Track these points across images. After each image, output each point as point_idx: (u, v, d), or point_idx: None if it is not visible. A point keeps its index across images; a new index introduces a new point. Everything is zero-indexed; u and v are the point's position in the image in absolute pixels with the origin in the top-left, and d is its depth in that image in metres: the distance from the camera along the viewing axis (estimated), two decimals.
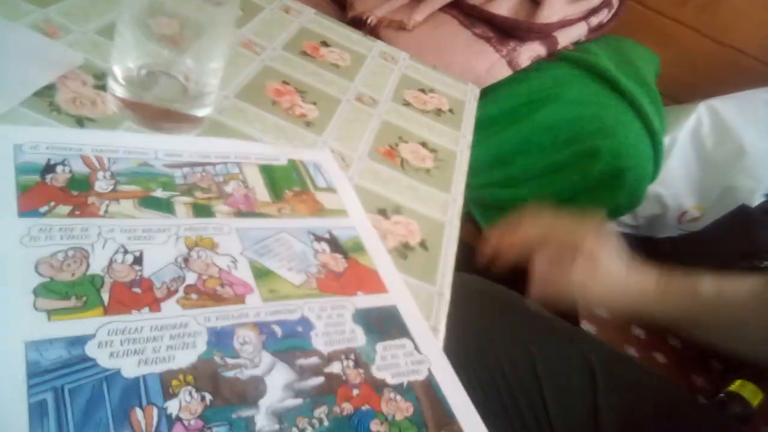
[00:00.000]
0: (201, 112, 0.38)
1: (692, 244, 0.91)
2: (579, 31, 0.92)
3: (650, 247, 1.02)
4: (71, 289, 0.27)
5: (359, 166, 0.43)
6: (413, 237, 0.39)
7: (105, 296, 0.27)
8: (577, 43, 0.94)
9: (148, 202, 0.33)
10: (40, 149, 0.33)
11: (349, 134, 0.46)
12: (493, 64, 0.87)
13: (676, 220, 1.02)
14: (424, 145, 0.48)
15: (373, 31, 0.85)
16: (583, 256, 0.42)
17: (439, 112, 0.54)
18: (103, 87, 0.38)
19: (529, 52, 0.88)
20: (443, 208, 0.43)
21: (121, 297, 0.27)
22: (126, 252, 0.30)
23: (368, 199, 0.40)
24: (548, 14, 0.88)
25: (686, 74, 1.07)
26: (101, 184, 0.32)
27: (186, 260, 0.30)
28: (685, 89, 1.09)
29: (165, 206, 0.33)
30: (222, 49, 0.37)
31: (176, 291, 0.29)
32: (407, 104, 0.53)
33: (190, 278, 0.29)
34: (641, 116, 0.87)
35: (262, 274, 0.32)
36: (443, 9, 0.91)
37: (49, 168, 0.32)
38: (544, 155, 0.89)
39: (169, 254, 0.30)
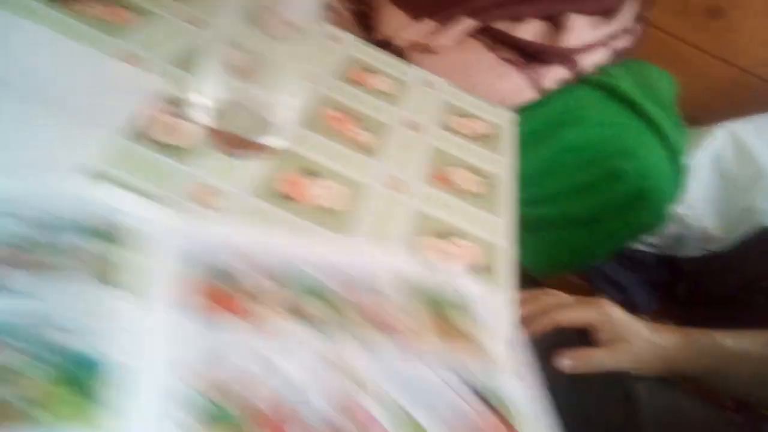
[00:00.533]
0: (275, 142, 0.40)
1: (715, 263, 0.93)
2: (601, 55, 0.94)
3: (674, 266, 1.04)
4: None
5: (417, 191, 0.45)
6: (474, 261, 0.41)
7: None
8: (599, 67, 0.97)
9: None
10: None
11: (402, 160, 0.48)
12: (518, 86, 0.90)
13: (699, 240, 1.04)
14: (471, 169, 0.51)
15: (399, 54, 0.88)
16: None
17: (479, 136, 0.57)
18: (182, 115, 0.40)
19: (553, 74, 0.91)
20: (499, 231, 0.45)
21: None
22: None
23: (429, 224, 0.42)
24: (572, 38, 0.91)
25: (703, 97, 1.10)
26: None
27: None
28: (701, 112, 1.11)
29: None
30: (295, 82, 0.39)
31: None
32: (450, 129, 0.55)
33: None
34: (663, 138, 0.89)
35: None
36: (470, 33, 0.94)
37: (228, 272, 0.32)
38: (568, 176, 0.91)
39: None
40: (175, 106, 0.41)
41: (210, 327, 0.29)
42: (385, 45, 0.91)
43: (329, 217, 0.39)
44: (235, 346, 0.29)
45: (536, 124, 0.96)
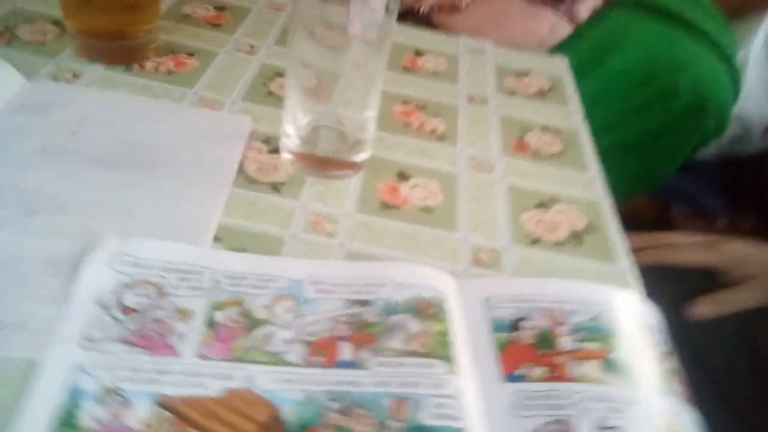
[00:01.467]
0: (360, 157, 0.41)
1: None
2: None
3: (738, 167, 1.01)
4: None
5: (502, 166, 0.46)
6: (578, 223, 0.42)
7: None
8: None
9: (613, 366, 0.30)
10: (504, 304, 0.33)
11: (478, 138, 0.49)
12: (553, 24, 0.88)
13: (760, 135, 1.01)
14: (546, 129, 0.51)
15: (425, 20, 0.87)
16: None
17: (542, 93, 0.56)
18: (274, 150, 0.42)
19: (586, 4, 0.88)
20: (591, 186, 0.46)
21: None
22: (604, 429, 0.28)
23: (525, 197, 0.43)
24: None
25: None
26: (564, 341, 0.32)
27: None
28: (741, 3, 1.06)
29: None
30: (373, 96, 0.40)
31: None
32: (513, 93, 0.55)
33: None
34: (712, 43, 0.86)
35: None
36: None
37: (516, 323, 0.32)
38: (620, 102, 0.89)
39: None
40: (265, 141, 0.43)
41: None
42: (408, 15, 0.90)
43: (431, 217, 0.40)
44: None
45: (578, 58, 0.94)
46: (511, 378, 0.30)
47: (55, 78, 0.44)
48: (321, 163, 0.41)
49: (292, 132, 0.40)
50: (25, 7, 0.51)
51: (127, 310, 0.30)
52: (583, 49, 0.93)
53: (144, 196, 0.37)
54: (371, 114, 0.40)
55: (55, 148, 0.38)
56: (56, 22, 0.49)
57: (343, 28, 0.37)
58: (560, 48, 0.91)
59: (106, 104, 0.43)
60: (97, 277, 0.31)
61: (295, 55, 0.39)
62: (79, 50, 0.46)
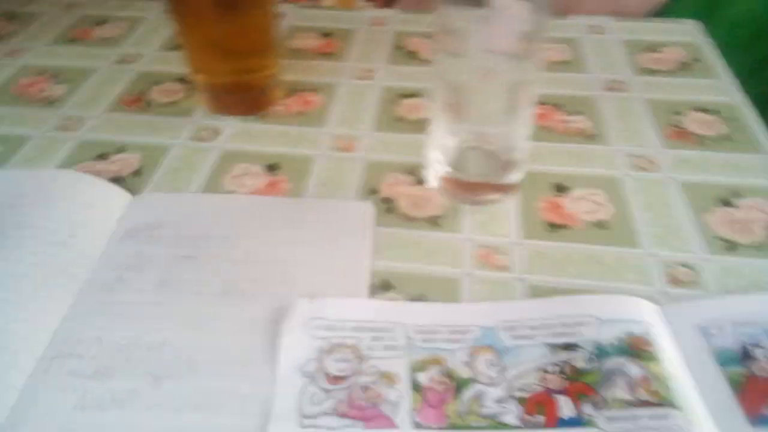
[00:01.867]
0: (514, 179, 0.39)
1: None
2: None
3: None
4: None
5: (667, 162, 0.42)
6: None
7: None
8: None
9: None
10: (725, 330, 0.30)
11: (630, 131, 0.45)
12: None
13: None
14: (701, 109, 0.46)
15: None
16: None
17: (685, 66, 0.51)
18: (419, 182, 0.41)
19: None
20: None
21: None
22: None
23: (703, 195, 0.39)
24: None
25: None
26: None
27: None
28: None
29: None
30: (524, 112, 0.37)
31: None
32: (652, 72, 0.51)
33: None
34: None
35: None
36: None
37: (747, 352, 0.29)
38: (744, 56, 0.80)
39: None
40: (408, 172, 0.42)
41: None
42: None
43: (608, 233, 0.37)
44: None
45: (690, 12, 0.86)
46: (761, 421, 0.27)
47: (198, 139, 0.44)
48: (473, 188, 0.39)
49: (440, 157, 0.39)
50: (149, 69, 0.52)
51: (331, 378, 0.30)
52: (693, 6, 0.85)
53: (259, 332, 0.31)
54: (523, 132, 0.37)
55: (173, 284, 0.34)
56: (181, 80, 0.51)
57: (468, 41, 0.35)
58: (669, 11, 0.84)
59: (216, 212, 0.38)
60: (297, 345, 0.31)
61: (439, 76, 0.37)
62: (211, 106, 0.47)
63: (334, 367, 0.30)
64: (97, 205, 0.38)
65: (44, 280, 0.33)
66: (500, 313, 0.32)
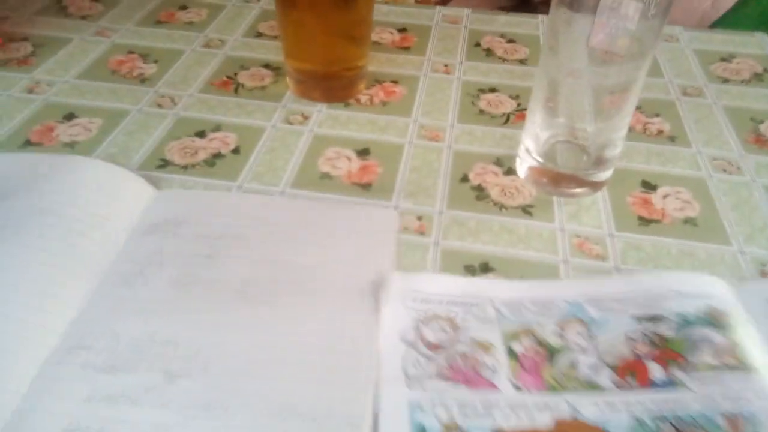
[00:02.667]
0: (604, 176, 0.40)
1: None
2: None
3: None
4: None
5: (749, 166, 0.43)
6: None
7: None
8: None
9: None
10: None
11: (710, 135, 0.46)
12: None
13: None
14: None
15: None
16: None
17: (758, 77, 0.52)
18: (508, 172, 0.42)
19: None
20: None
21: None
22: None
23: None
24: None
25: None
26: None
27: None
28: None
29: None
30: (626, 114, 0.38)
31: None
32: (726, 80, 0.52)
33: None
34: None
35: None
36: None
37: None
38: None
39: None
40: (495, 163, 0.43)
41: None
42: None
43: (698, 230, 0.38)
44: None
45: (747, 26, 0.87)
46: None
47: (288, 122, 0.46)
48: (562, 180, 0.40)
49: (532, 148, 0.40)
50: (235, 54, 0.54)
51: (431, 346, 0.31)
52: (752, 18, 0.85)
53: (293, 340, 0.31)
54: (621, 132, 0.39)
55: (191, 282, 0.33)
56: (267, 66, 0.52)
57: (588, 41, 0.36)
58: (723, 22, 0.85)
59: (238, 211, 0.38)
60: (395, 316, 0.32)
61: (541, 71, 0.38)
62: (300, 91, 0.49)
63: (432, 336, 0.32)
64: (122, 196, 0.38)
65: (64, 270, 0.33)
66: (585, 288, 0.34)
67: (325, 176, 0.42)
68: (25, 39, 0.55)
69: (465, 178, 0.42)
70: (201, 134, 0.45)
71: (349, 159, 0.43)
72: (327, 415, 0.28)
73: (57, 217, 0.35)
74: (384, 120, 0.47)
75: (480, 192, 0.41)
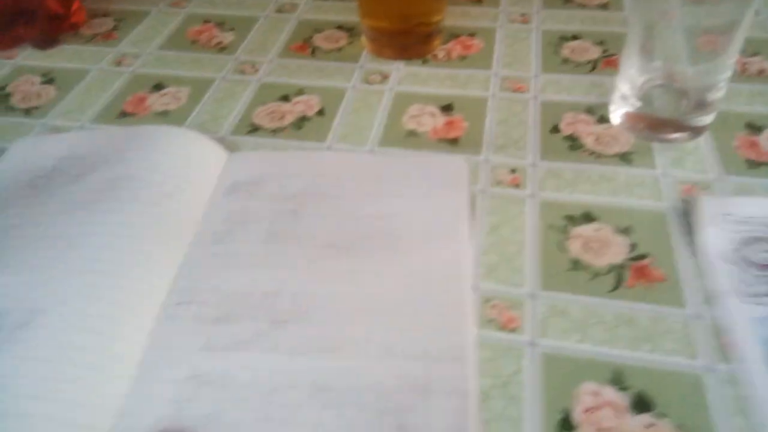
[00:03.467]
0: (705, 120, 0.38)
1: None
2: None
3: None
4: None
5: None
6: None
7: None
8: None
9: None
10: None
11: None
12: None
13: None
14: None
15: None
16: None
17: None
18: (600, 120, 0.41)
19: None
20: None
21: None
22: None
23: None
24: None
25: None
26: None
27: None
28: None
29: None
30: (731, 55, 0.36)
31: None
32: None
33: None
34: None
35: None
36: None
37: None
38: None
39: None
40: (587, 111, 0.42)
41: None
42: None
43: None
44: None
45: None
46: None
47: (368, 82, 0.46)
48: (660, 125, 0.39)
49: (628, 93, 0.39)
50: (308, 18, 0.54)
51: (759, 266, 0.30)
52: None
53: (388, 287, 0.31)
54: (725, 75, 0.36)
55: (281, 237, 0.34)
56: (340, 27, 0.52)
57: None
58: None
59: (314, 169, 0.39)
60: (714, 237, 0.32)
61: (634, 14, 0.36)
62: (375, 50, 0.48)
63: (758, 257, 0.31)
64: (198, 160, 0.39)
65: (158, 231, 0.34)
66: None
67: (411, 133, 0.41)
68: (106, 15, 0.56)
69: (556, 129, 0.41)
70: (285, 98, 0.45)
71: (433, 115, 0.43)
72: (431, 353, 0.28)
73: (145, 181, 0.37)
74: (464, 74, 0.46)
75: (573, 142, 0.40)
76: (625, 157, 0.38)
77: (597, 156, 0.38)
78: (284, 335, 0.30)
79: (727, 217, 0.32)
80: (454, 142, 0.40)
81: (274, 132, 0.42)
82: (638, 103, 0.38)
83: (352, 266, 0.32)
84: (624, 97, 0.39)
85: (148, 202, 0.36)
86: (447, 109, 0.43)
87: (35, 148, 0.42)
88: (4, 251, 0.34)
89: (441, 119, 0.42)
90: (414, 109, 0.43)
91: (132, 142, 0.40)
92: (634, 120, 0.39)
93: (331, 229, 0.35)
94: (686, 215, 0.34)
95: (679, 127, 0.39)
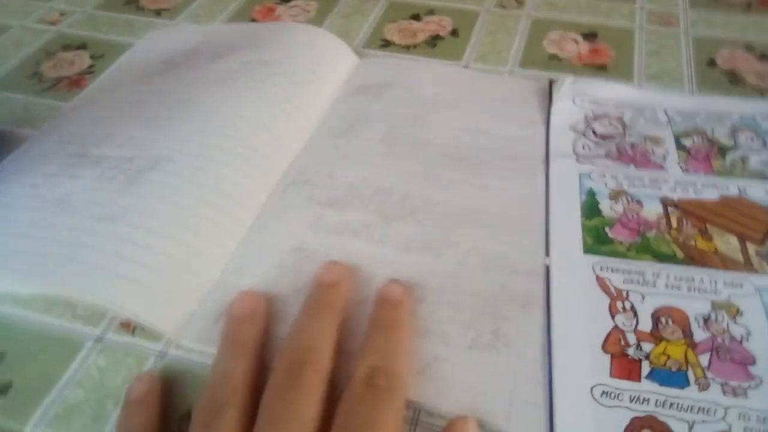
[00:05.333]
0: None
1: None
2: None
3: None
4: None
5: None
6: None
7: None
8: None
9: None
10: None
11: None
12: None
13: None
14: None
15: None
16: None
17: None
18: (763, 56, 0.38)
19: None
20: None
21: None
22: None
23: None
24: None
25: None
26: None
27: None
28: None
29: None
30: None
31: None
32: None
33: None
34: None
35: None
36: None
37: None
38: None
39: None
40: (747, 48, 0.39)
41: None
42: None
43: None
44: None
45: None
46: None
47: (501, 6, 0.44)
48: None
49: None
50: None
51: (600, 136, 0.33)
52: None
53: (494, 200, 0.30)
54: None
55: (399, 139, 0.34)
56: None
57: None
58: None
59: (440, 82, 0.38)
60: (567, 111, 0.35)
61: None
62: None
63: (601, 129, 0.34)
64: (330, 58, 0.39)
65: (285, 114, 0.34)
66: (760, 106, 0.34)
67: (554, 57, 0.39)
68: None
69: (712, 63, 0.38)
70: (416, 17, 0.43)
71: (576, 42, 0.40)
72: (533, 271, 0.27)
73: (279, 67, 0.37)
74: (606, 5, 0.43)
75: (733, 77, 0.37)
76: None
77: (761, 92, 0.36)
78: (391, 231, 0.29)
79: (582, 96, 0.36)
80: (602, 67, 0.38)
81: (407, 48, 0.41)
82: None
83: (463, 177, 0.32)
84: None
85: (280, 86, 0.36)
86: (590, 36, 0.41)
87: (170, 37, 0.42)
88: (132, 111, 0.34)
89: (585, 46, 0.40)
90: (554, 35, 0.41)
91: (268, 34, 0.40)
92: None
93: (447, 139, 0.34)
94: (549, 92, 0.36)
95: None
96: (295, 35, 0.40)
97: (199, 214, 0.29)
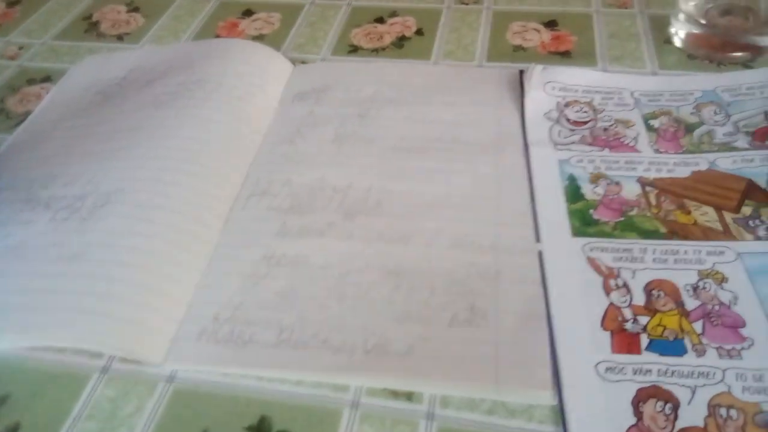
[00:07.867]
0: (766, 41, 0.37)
1: None
2: None
3: None
4: None
5: None
6: None
7: None
8: None
9: None
10: None
11: None
12: None
13: None
14: None
15: None
16: None
17: None
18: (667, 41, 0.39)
19: None
20: None
21: None
22: None
23: None
24: None
25: None
26: None
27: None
28: None
29: None
30: None
31: None
32: None
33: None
34: None
35: None
36: None
37: None
38: None
39: None
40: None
41: None
42: None
43: None
44: None
45: None
46: None
47: (461, 2, 0.45)
48: (722, 46, 0.37)
49: (691, 13, 0.38)
50: None
51: (573, 122, 0.35)
52: None
53: (455, 185, 0.32)
54: None
55: (349, 138, 0.35)
56: None
57: None
58: None
59: (378, 78, 0.39)
60: (539, 100, 0.36)
61: None
62: None
63: (574, 115, 0.35)
64: (267, 69, 0.39)
65: (231, 129, 0.35)
66: (719, 81, 0.36)
67: (518, 48, 0.40)
68: None
69: (668, 41, 0.39)
70: (380, 20, 0.44)
71: (538, 31, 0.42)
72: (500, 245, 0.29)
73: (216, 84, 0.37)
74: None
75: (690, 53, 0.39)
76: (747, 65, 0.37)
77: (718, 64, 0.37)
78: (356, 226, 0.30)
79: (552, 84, 0.37)
80: (566, 54, 0.39)
81: (376, 51, 0.41)
82: (700, 24, 0.37)
83: (421, 165, 0.33)
84: (687, 17, 0.38)
85: (221, 102, 0.36)
86: (551, 24, 0.42)
87: (98, 66, 0.41)
88: (75, 147, 0.34)
89: (547, 34, 0.41)
90: (516, 26, 0.42)
91: (200, 52, 0.40)
92: (696, 39, 0.38)
93: (398, 132, 0.35)
94: (520, 82, 0.37)
95: (737, 47, 0.37)
96: (228, 50, 0.40)
97: (162, 239, 0.29)
